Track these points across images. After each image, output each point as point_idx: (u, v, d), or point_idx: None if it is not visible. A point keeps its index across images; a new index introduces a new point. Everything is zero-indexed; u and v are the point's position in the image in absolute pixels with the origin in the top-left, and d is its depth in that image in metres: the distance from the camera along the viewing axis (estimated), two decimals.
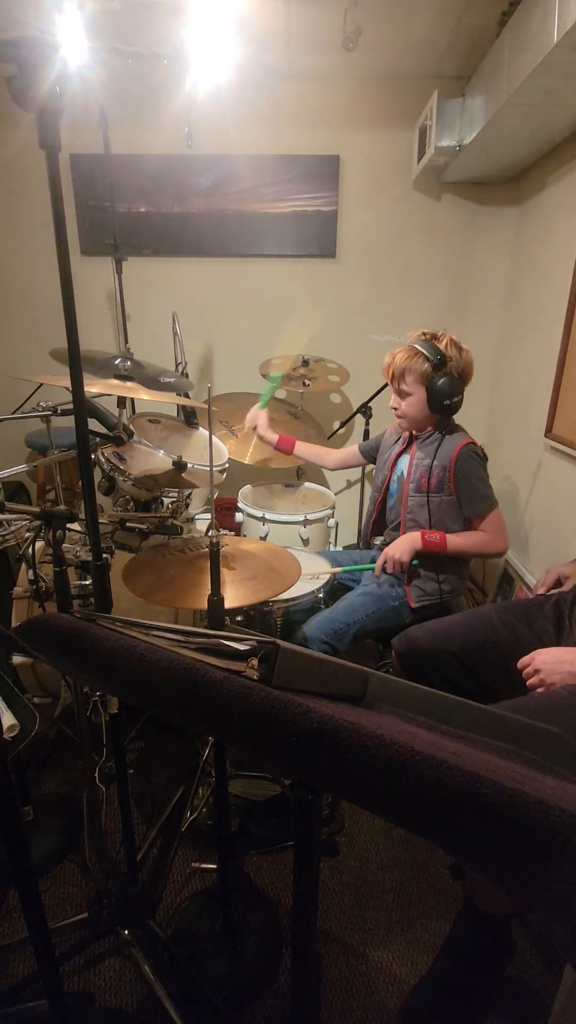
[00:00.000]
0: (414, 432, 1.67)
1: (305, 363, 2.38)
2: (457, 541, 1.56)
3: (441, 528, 1.60)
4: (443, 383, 1.50)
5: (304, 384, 2.33)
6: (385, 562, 1.60)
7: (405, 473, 1.66)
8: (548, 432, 2.02)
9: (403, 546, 1.58)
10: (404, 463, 1.68)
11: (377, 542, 1.85)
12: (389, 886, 1.37)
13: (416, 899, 1.34)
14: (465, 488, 1.55)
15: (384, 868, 1.41)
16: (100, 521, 1.46)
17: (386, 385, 1.66)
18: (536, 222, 2.25)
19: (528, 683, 1.08)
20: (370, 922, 1.29)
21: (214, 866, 1.38)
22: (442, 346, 1.52)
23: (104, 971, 1.18)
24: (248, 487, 2.29)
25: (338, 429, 2.53)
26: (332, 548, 2.18)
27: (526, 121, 1.79)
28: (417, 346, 1.52)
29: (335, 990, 1.16)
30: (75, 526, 1.48)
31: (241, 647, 0.52)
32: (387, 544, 1.64)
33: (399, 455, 1.71)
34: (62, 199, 0.74)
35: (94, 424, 1.53)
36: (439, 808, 0.35)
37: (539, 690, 1.06)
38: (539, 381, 2.13)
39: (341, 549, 2.14)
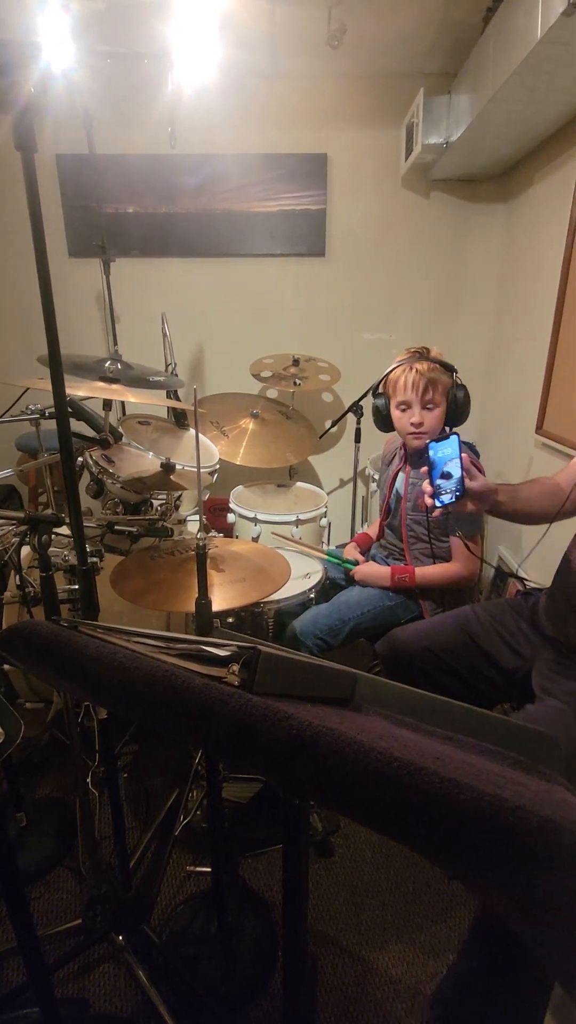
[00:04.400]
0: (407, 450, 1.66)
1: (296, 362, 2.37)
2: (426, 576, 1.59)
3: (438, 541, 1.61)
4: (463, 394, 1.53)
5: (295, 383, 2.32)
6: (360, 576, 1.68)
7: (401, 492, 1.66)
8: (539, 428, 2.03)
9: (373, 580, 1.65)
10: (400, 482, 1.68)
11: (371, 551, 1.88)
12: (384, 886, 1.37)
13: (412, 898, 1.34)
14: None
15: (379, 868, 1.41)
16: (88, 524, 1.46)
17: (372, 392, 1.66)
18: (525, 219, 2.25)
19: None
20: (366, 923, 1.29)
21: (208, 869, 1.37)
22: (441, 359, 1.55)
23: (99, 977, 1.18)
24: (240, 487, 2.29)
25: (330, 428, 2.52)
26: (325, 547, 2.17)
27: (512, 118, 1.78)
28: (432, 360, 1.52)
29: (331, 992, 1.15)
30: (63, 530, 1.48)
31: (222, 653, 0.52)
32: (374, 556, 1.71)
33: (396, 474, 1.71)
34: (39, 201, 0.73)
35: (83, 427, 1.53)
36: (418, 814, 0.35)
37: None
38: (530, 378, 2.13)
39: (335, 548, 2.13)
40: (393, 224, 2.49)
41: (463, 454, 1.08)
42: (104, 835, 1.47)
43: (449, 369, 1.53)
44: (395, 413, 1.58)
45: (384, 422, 1.64)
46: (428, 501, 1.08)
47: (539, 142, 2.01)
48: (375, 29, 1.96)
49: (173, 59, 1.79)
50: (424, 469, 1.12)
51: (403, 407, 1.56)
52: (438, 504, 1.08)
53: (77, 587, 1.33)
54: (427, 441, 1.57)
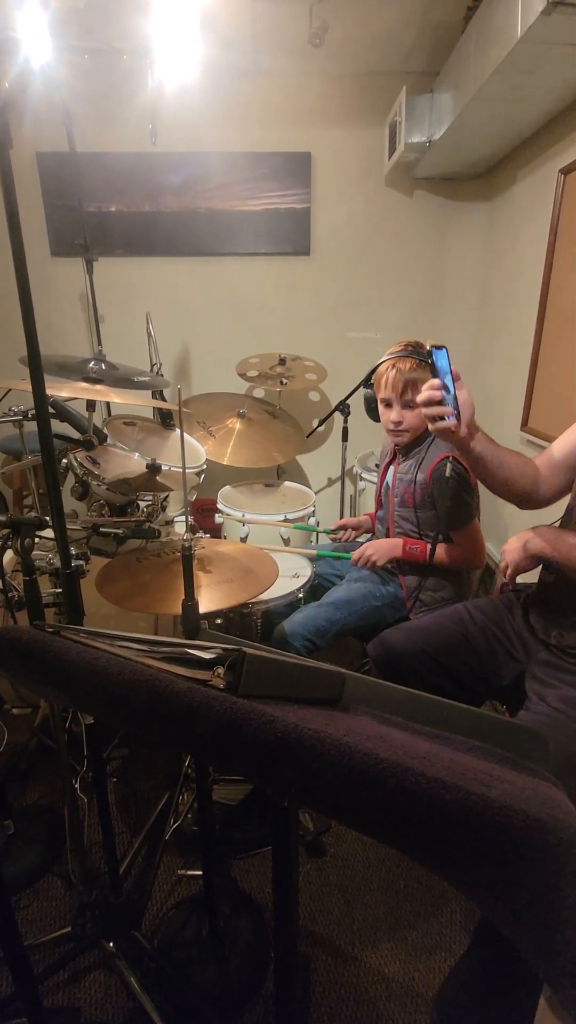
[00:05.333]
0: (398, 445, 1.65)
1: (282, 361, 2.37)
2: (438, 554, 1.56)
3: (427, 536, 1.59)
4: None
5: (282, 383, 2.32)
6: (361, 556, 1.61)
7: (391, 486, 1.66)
8: (524, 425, 2.04)
9: (383, 550, 1.59)
10: (390, 476, 1.68)
11: (363, 540, 1.86)
12: (376, 884, 1.37)
13: (404, 895, 1.34)
14: (440, 507, 1.54)
15: (371, 866, 1.41)
16: (73, 527, 1.44)
17: (363, 383, 1.64)
18: (507, 217, 2.27)
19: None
20: (358, 922, 1.29)
21: (200, 872, 1.36)
22: None
23: (89, 985, 1.16)
24: (228, 488, 2.28)
25: (317, 427, 2.52)
26: (313, 543, 2.17)
27: (494, 117, 1.79)
28: (417, 356, 1.50)
29: (324, 992, 1.15)
30: (49, 533, 1.46)
31: (207, 655, 0.51)
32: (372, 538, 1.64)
33: (387, 468, 1.71)
34: (15, 199, 0.72)
35: (67, 428, 1.51)
36: (404, 816, 0.35)
37: (508, 573, 1.18)
38: (514, 375, 2.15)
39: (325, 538, 2.12)
40: (377, 223, 2.50)
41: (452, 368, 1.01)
42: (94, 841, 1.45)
43: None
44: (380, 408, 1.59)
45: (373, 413, 1.64)
46: (434, 399, 1.00)
47: (521, 141, 2.02)
48: (357, 28, 1.96)
49: (154, 56, 1.77)
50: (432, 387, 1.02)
51: (385, 403, 1.57)
52: (449, 418, 1.00)
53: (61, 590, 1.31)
54: (407, 439, 1.58)
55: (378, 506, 1.77)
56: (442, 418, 1.00)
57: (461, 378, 1.02)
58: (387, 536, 1.68)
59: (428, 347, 1.03)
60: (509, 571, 1.18)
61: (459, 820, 0.33)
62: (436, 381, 1.00)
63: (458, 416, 1.00)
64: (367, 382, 1.66)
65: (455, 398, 1.00)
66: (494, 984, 0.97)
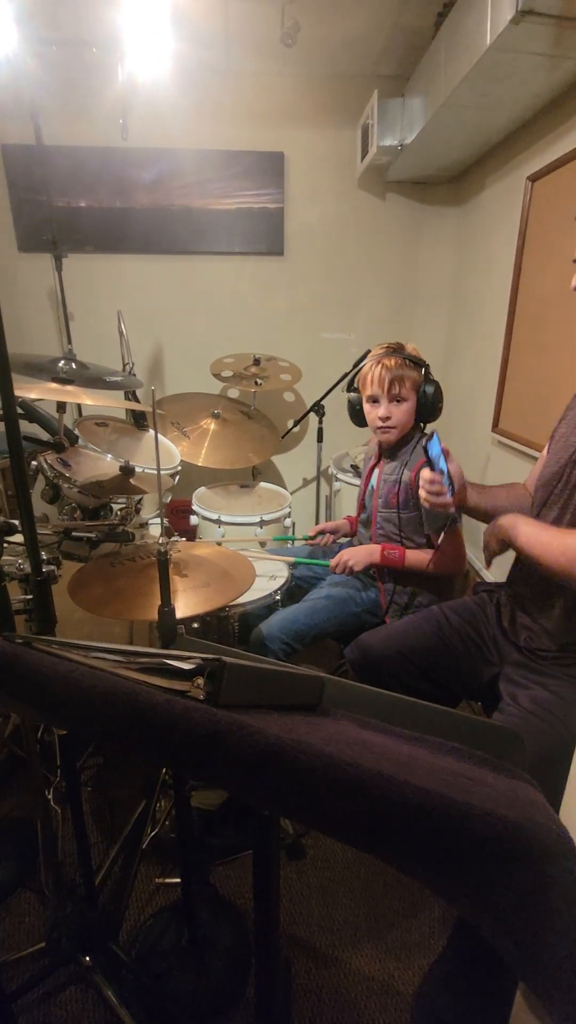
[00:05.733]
0: (386, 444, 1.66)
1: (257, 362, 2.36)
2: (415, 559, 1.57)
3: (409, 540, 1.61)
4: (433, 390, 1.55)
5: (256, 383, 2.31)
6: (339, 563, 1.61)
7: (375, 487, 1.67)
8: (495, 427, 2.08)
9: (360, 557, 1.60)
10: (375, 478, 1.69)
11: (343, 542, 1.86)
12: (356, 885, 1.38)
13: (382, 895, 1.35)
14: (424, 507, 1.55)
15: (350, 867, 1.42)
16: (44, 531, 1.40)
17: (340, 381, 1.65)
18: (477, 222, 2.31)
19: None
20: (338, 923, 1.29)
21: (178, 880, 1.34)
22: (415, 354, 1.56)
23: (65, 1001, 1.13)
24: (203, 489, 2.26)
25: (292, 428, 2.52)
26: (290, 545, 2.17)
27: (463, 122, 1.82)
28: (403, 356, 1.53)
29: (305, 995, 1.15)
30: (17, 538, 1.41)
31: (186, 666, 0.50)
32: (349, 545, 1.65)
33: (372, 469, 1.72)
34: None
35: (36, 429, 1.47)
36: (386, 826, 0.34)
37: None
38: (485, 378, 2.19)
39: (301, 543, 2.12)
40: (350, 224, 2.51)
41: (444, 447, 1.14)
42: (68, 853, 1.42)
43: (420, 365, 1.55)
44: (366, 407, 1.60)
45: (357, 416, 1.65)
46: (433, 489, 1.12)
47: (489, 148, 2.06)
48: (329, 29, 1.96)
49: (124, 49, 1.74)
50: (422, 469, 1.16)
51: (372, 401, 1.58)
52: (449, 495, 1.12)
53: (31, 597, 1.27)
54: (395, 436, 1.60)
55: (360, 509, 1.78)
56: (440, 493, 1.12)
57: (450, 452, 1.15)
58: (369, 539, 1.69)
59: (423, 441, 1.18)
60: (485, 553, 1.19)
61: (441, 828, 0.33)
62: (436, 476, 1.12)
63: (452, 491, 1.12)
64: (351, 386, 1.67)
65: (448, 475, 1.12)
66: (472, 980, 0.98)
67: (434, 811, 0.33)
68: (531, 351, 1.84)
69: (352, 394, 1.64)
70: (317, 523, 2.64)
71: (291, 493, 2.32)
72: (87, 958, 1.16)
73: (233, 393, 2.61)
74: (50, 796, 1.46)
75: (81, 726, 0.51)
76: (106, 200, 2.39)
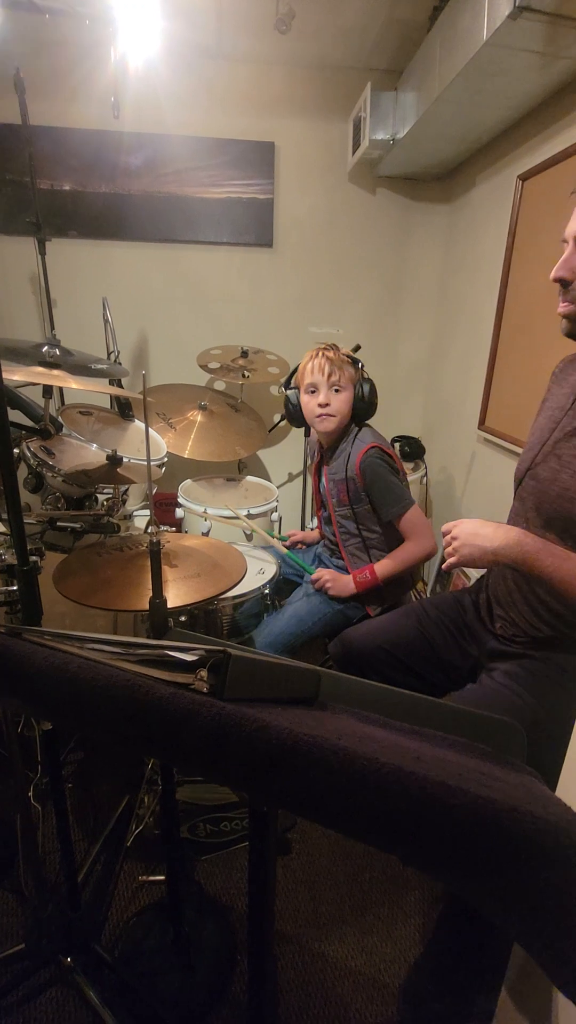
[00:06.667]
0: (323, 444, 1.67)
1: (244, 354, 2.33)
2: (387, 568, 1.57)
3: (368, 531, 1.62)
4: (369, 387, 1.58)
5: (244, 376, 2.28)
6: (320, 582, 1.63)
7: (325, 487, 1.68)
8: (481, 424, 2.09)
9: (340, 588, 1.61)
10: (323, 479, 1.70)
11: (317, 548, 1.88)
12: (342, 878, 1.37)
13: (368, 887, 1.35)
14: (375, 494, 1.56)
15: (336, 860, 1.42)
16: (28, 521, 1.36)
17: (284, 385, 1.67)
18: (466, 220, 2.31)
19: (445, 551, 1.08)
20: (324, 916, 1.29)
21: (163, 877, 1.32)
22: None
23: (45, 1004, 1.11)
24: (189, 481, 2.22)
25: (279, 422, 2.50)
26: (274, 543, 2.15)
27: (456, 119, 1.82)
28: (340, 353, 1.57)
29: (291, 990, 1.14)
30: (1, 528, 1.37)
31: (189, 657, 0.48)
32: (320, 555, 1.73)
33: (317, 470, 1.73)
34: None
35: (18, 416, 1.42)
36: (409, 822, 0.33)
37: (450, 560, 1.06)
38: (472, 375, 2.20)
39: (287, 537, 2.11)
40: (339, 218, 2.49)
41: None
42: (48, 850, 1.38)
43: (356, 363, 1.60)
44: (304, 399, 1.62)
45: (295, 414, 1.67)
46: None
47: (481, 146, 2.06)
48: (323, 17, 1.93)
49: (116, 26, 1.69)
50: None
51: (311, 389, 1.59)
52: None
53: (15, 588, 1.24)
54: (334, 425, 1.59)
55: (318, 506, 1.79)
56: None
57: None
58: (334, 537, 1.70)
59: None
60: (454, 560, 1.08)
61: (467, 824, 0.32)
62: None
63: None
64: (288, 384, 1.68)
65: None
66: (458, 972, 0.99)
67: (458, 807, 0.32)
68: (519, 349, 1.85)
69: (289, 391, 1.66)
70: (302, 517, 2.64)
71: (278, 487, 2.30)
72: (68, 959, 1.13)
73: (220, 385, 2.58)
74: (30, 793, 1.43)
75: (78, 722, 0.49)
76: (91, 184, 2.32)
